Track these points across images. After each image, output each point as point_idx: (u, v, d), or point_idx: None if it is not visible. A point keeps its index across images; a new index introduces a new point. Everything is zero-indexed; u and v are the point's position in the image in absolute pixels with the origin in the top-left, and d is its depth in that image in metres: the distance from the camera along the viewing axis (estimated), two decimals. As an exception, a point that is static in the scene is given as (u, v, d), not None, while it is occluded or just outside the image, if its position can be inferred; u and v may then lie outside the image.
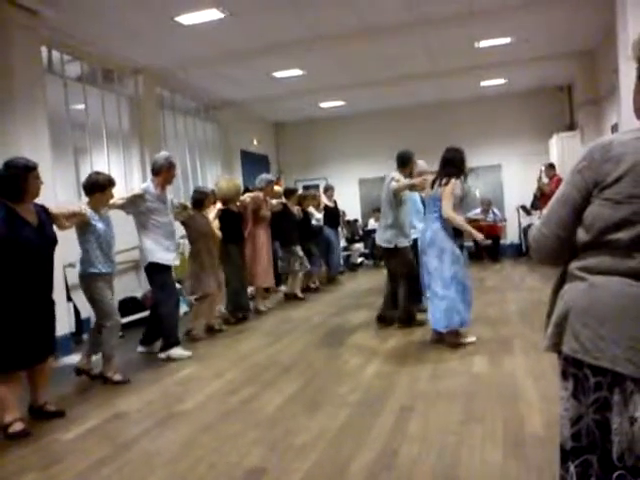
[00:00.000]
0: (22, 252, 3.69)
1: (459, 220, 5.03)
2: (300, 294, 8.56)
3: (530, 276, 9.11)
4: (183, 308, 7.62)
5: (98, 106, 8.00)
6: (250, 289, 7.77)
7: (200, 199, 6.45)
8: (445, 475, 2.71)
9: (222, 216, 6.91)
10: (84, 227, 4.57)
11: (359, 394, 4.02)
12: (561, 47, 9.33)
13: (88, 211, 4.57)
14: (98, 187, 4.68)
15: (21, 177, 3.73)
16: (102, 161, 8.01)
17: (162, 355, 5.42)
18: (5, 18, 5.65)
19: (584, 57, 9.88)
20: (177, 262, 5.61)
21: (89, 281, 4.63)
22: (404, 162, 6.03)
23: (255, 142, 12.81)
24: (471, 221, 11.89)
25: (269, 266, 7.69)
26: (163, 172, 5.41)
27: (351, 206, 13.25)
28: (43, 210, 3.97)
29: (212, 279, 6.31)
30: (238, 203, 7.20)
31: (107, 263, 4.69)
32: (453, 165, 5.09)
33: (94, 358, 4.99)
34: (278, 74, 9.59)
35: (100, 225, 4.65)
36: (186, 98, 10.51)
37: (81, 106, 7.70)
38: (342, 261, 11.08)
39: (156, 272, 5.36)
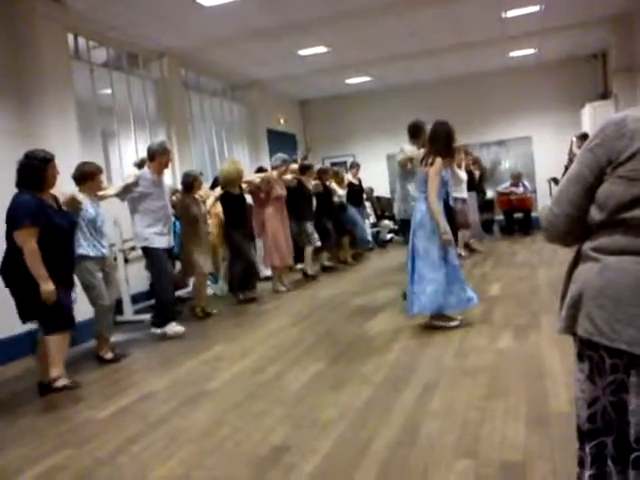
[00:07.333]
0: (59, 236, 4.05)
1: (436, 209, 4.76)
2: (310, 271, 8.40)
3: (562, 250, 8.84)
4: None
5: (124, 90, 8.07)
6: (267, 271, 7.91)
7: (187, 182, 6.46)
8: (466, 451, 2.72)
9: (223, 199, 6.91)
10: (76, 213, 4.73)
11: (383, 372, 4.04)
12: (595, 12, 8.92)
13: (81, 196, 4.81)
14: (89, 175, 4.96)
15: (40, 168, 3.99)
16: (129, 144, 8.11)
17: (157, 330, 5.70)
18: (30, 9, 5.78)
19: (620, 22, 9.44)
20: (168, 244, 5.77)
21: (78, 263, 4.66)
22: (415, 133, 5.88)
23: (282, 121, 12.76)
24: (501, 194, 11.84)
25: (287, 245, 7.62)
26: (157, 157, 5.64)
27: (379, 182, 13.16)
28: (54, 198, 4.23)
29: (202, 261, 6.37)
30: (244, 185, 7.14)
31: (95, 247, 4.87)
32: (439, 141, 4.86)
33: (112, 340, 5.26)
34: (303, 52, 9.51)
35: (91, 211, 4.87)
36: (211, 79, 10.51)
37: (108, 91, 7.78)
38: (371, 237, 11.03)
39: (149, 255, 5.72)
